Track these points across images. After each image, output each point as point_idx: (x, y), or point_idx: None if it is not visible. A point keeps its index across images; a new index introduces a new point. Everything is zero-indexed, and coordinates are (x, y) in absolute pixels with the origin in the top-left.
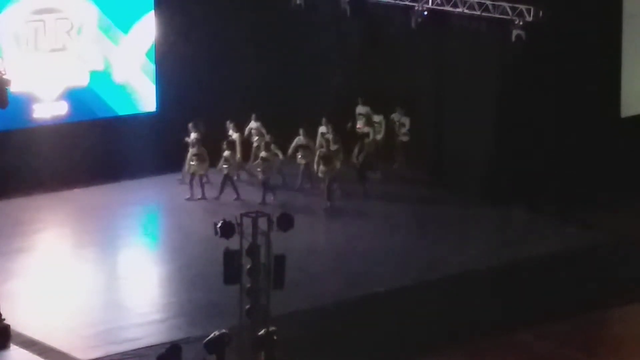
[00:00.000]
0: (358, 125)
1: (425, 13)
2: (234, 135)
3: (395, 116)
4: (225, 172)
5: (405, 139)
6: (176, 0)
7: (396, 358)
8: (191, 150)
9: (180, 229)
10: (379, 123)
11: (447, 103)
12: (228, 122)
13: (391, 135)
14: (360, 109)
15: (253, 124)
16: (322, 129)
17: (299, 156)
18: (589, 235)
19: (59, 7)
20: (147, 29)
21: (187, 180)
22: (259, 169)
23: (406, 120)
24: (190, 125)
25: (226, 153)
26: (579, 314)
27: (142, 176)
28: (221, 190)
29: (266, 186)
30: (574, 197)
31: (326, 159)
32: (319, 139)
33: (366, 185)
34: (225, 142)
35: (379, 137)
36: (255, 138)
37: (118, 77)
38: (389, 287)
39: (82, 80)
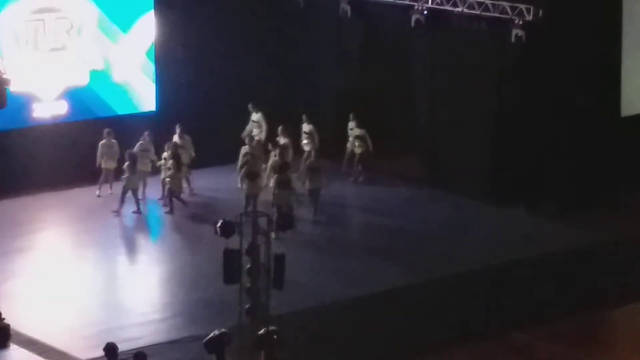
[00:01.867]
0: (254, 133)
1: (425, 12)
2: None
3: (351, 125)
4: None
5: (358, 150)
6: (176, 0)
7: (396, 358)
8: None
9: (180, 228)
10: (309, 134)
11: (446, 102)
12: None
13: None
14: (254, 117)
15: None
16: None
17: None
18: (589, 235)
19: (58, 6)
20: (146, 28)
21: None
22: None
23: (362, 132)
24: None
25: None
26: (578, 314)
27: None
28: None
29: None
30: (574, 197)
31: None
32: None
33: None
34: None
35: (307, 148)
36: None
37: (118, 76)
38: (388, 286)
39: (81, 80)
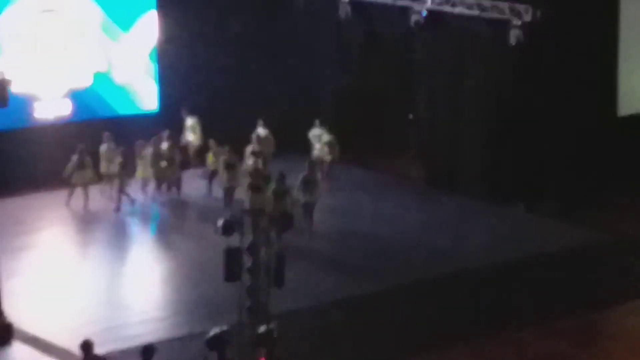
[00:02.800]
0: (189, 139)
1: (424, 13)
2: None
3: (317, 132)
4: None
5: (328, 158)
6: (178, 0)
7: (396, 357)
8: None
9: (181, 227)
10: (265, 139)
11: (445, 102)
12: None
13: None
14: (189, 122)
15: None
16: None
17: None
18: (589, 234)
19: (61, 7)
20: (149, 29)
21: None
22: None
23: (331, 139)
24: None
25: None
26: (579, 314)
27: None
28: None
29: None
30: (574, 196)
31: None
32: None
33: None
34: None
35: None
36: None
37: (120, 77)
38: (388, 286)
39: (84, 80)
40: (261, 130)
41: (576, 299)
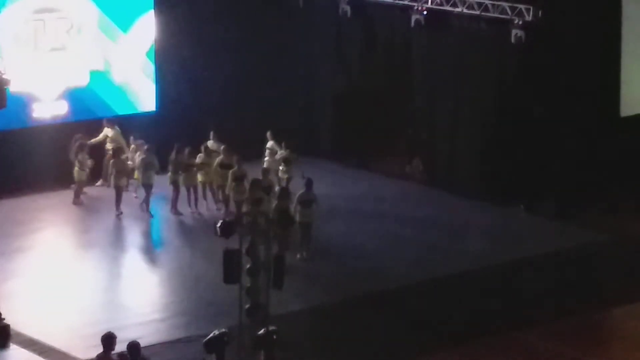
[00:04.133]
0: (107, 147)
1: (425, 13)
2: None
3: (271, 145)
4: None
5: (284, 176)
6: (176, 1)
7: (396, 358)
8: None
9: (180, 228)
10: (216, 152)
11: (446, 102)
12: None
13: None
14: (108, 132)
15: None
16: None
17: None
18: (589, 235)
19: (59, 6)
20: (146, 28)
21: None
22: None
23: (292, 156)
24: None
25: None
26: (579, 314)
27: None
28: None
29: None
30: (574, 196)
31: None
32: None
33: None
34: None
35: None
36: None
37: (118, 76)
38: (387, 287)
39: (82, 80)
40: (212, 144)
41: (576, 299)
